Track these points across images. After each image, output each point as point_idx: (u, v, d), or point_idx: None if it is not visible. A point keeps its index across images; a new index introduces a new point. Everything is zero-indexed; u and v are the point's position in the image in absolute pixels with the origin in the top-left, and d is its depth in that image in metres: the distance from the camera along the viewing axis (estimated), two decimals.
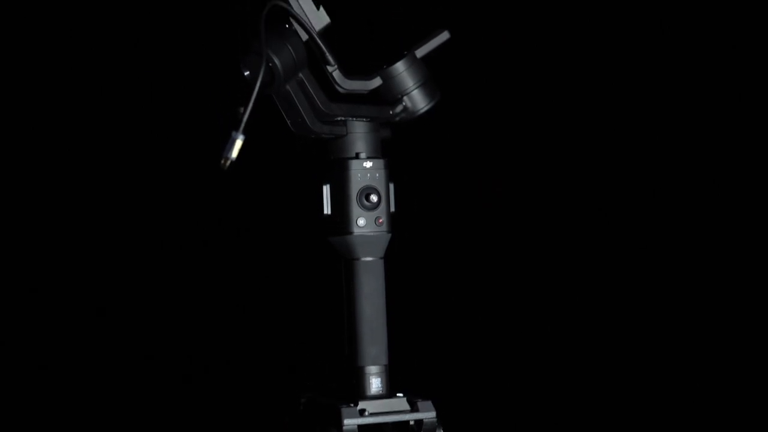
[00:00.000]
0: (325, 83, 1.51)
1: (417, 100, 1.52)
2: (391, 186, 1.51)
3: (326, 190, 1.49)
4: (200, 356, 2.76)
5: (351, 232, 1.48)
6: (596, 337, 2.52)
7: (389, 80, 1.51)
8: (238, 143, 1.41)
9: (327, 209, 1.50)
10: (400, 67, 1.51)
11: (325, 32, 1.50)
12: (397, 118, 1.53)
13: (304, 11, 1.48)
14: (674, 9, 2.62)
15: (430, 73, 1.53)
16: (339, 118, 1.50)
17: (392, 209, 1.51)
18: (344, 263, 1.50)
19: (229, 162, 1.43)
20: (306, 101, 1.48)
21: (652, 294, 2.56)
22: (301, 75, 1.48)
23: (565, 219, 2.57)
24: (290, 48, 1.46)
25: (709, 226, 2.63)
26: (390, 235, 1.51)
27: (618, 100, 2.68)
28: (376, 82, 1.51)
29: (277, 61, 1.44)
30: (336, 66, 1.49)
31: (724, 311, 2.62)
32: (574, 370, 2.49)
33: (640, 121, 2.70)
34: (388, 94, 1.52)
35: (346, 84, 1.49)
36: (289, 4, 1.48)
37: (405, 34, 1.59)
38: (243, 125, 1.41)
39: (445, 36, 1.54)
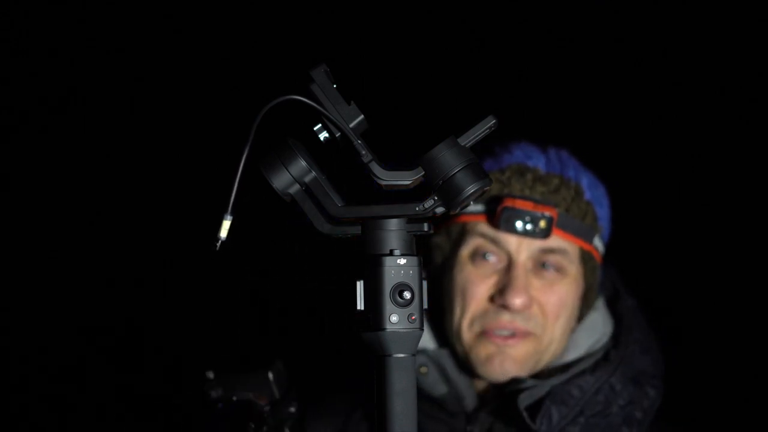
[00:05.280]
0: (340, 185, 1.50)
1: (460, 183, 1.45)
2: (424, 283, 1.50)
3: (360, 286, 1.49)
4: None
5: (383, 329, 1.48)
6: None
7: (428, 167, 1.45)
8: (226, 224, 1.43)
9: (360, 305, 1.49)
10: (436, 151, 1.45)
11: (358, 127, 1.49)
12: (435, 212, 1.49)
13: (335, 108, 1.48)
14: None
15: (475, 157, 1.46)
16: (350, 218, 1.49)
17: (425, 306, 1.50)
18: (376, 360, 1.50)
19: (219, 242, 1.43)
20: (313, 207, 1.49)
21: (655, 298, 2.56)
22: (306, 180, 1.49)
23: None
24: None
25: (707, 233, 2.65)
26: (422, 332, 1.50)
27: (615, 102, 2.70)
28: (419, 172, 1.46)
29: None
30: (372, 158, 1.48)
31: (723, 312, 2.63)
32: None
33: (641, 127, 2.73)
34: (432, 182, 1.46)
35: (386, 176, 1.47)
36: (321, 104, 1.47)
37: (448, 125, 1.55)
38: (231, 206, 1.43)
39: (490, 121, 1.47)
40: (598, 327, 2.18)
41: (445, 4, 2.87)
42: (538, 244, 2.10)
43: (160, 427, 2.90)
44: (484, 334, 2.11)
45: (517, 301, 2.07)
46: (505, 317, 2.10)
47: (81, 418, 2.94)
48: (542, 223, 2.06)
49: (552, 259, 2.11)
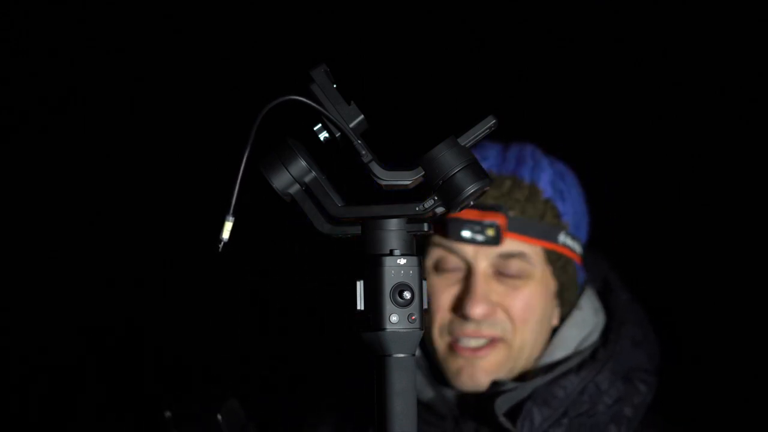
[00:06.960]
0: (340, 185, 1.50)
1: (460, 183, 1.45)
2: (424, 283, 1.50)
3: (360, 285, 1.49)
4: None
5: (383, 329, 1.48)
6: None
7: (428, 167, 1.46)
8: (228, 225, 1.43)
9: (360, 305, 1.49)
10: (436, 151, 1.45)
11: (358, 127, 1.49)
12: (435, 212, 1.49)
13: (335, 108, 1.48)
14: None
15: (475, 157, 1.47)
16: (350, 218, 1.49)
17: (425, 306, 1.50)
18: (376, 360, 1.50)
19: (221, 243, 1.44)
20: (314, 207, 1.49)
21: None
22: (307, 180, 1.49)
23: None
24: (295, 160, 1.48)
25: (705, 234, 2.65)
26: (422, 332, 1.51)
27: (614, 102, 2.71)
28: (419, 172, 1.47)
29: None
30: (372, 158, 1.48)
31: (721, 311, 2.63)
32: None
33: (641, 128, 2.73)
34: (432, 182, 1.46)
35: (386, 176, 1.47)
36: (321, 104, 1.47)
37: (448, 125, 1.54)
38: (232, 207, 1.44)
39: (490, 121, 1.48)
40: (588, 322, 2.16)
41: (445, 4, 2.87)
42: (495, 250, 2.08)
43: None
44: (453, 346, 2.11)
45: (476, 310, 2.07)
46: (470, 327, 2.09)
47: (81, 418, 2.94)
48: (489, 231, 2.05)
49: (512, 263, 2.09)
